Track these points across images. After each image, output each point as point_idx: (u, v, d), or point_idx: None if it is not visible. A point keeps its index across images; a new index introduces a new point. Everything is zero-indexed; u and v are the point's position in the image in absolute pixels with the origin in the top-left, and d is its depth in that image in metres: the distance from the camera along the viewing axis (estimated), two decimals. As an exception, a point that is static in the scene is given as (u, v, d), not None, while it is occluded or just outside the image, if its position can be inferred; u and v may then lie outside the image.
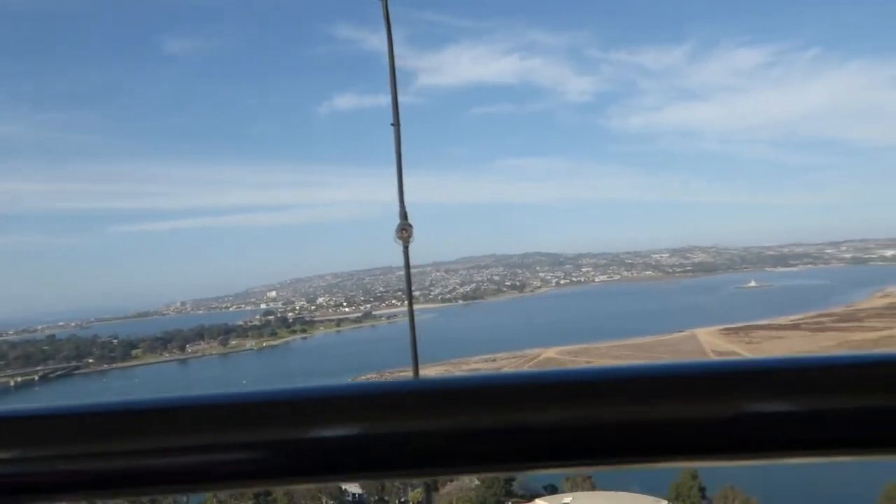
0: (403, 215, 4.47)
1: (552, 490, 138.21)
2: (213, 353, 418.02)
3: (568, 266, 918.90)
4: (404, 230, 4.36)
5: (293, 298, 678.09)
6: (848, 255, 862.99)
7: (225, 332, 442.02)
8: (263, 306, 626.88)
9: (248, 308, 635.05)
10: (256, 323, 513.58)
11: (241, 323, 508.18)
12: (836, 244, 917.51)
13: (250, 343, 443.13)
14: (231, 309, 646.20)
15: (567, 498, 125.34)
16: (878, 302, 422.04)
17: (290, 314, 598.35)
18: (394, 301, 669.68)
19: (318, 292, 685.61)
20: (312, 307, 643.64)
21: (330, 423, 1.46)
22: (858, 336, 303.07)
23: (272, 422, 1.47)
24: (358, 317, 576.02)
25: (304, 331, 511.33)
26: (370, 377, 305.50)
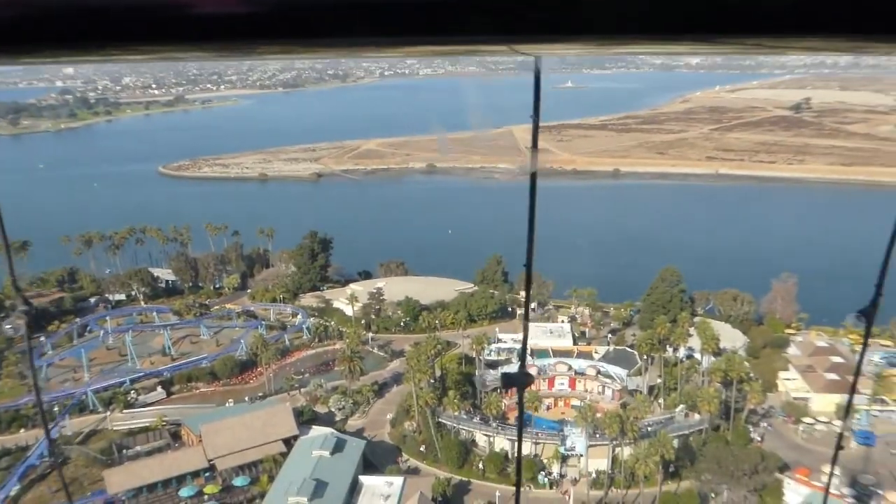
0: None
1: (366, 275, 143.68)
2: (2, 133, 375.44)
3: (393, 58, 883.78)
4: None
5: (95, 77, 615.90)
6: (658, 62, 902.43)
7: (14, 111, 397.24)
8: (59, 84, 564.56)
9: (42, 85, 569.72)
10: (52, 102, 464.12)
11: (33, 101, 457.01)
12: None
13: (46, 124, 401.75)
14: (21, 85, 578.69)
15: (381, 282, 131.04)
16: (679, 107, 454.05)
17: (92, 94, 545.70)
18: (208, 85, 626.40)
19: (123, 72, 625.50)
20: (117, 88, 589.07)
21: None
22: (657, 138, 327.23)
23: None
24: (169, 100, 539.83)
25: (108, 113, 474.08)
26: (182, 163, 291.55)
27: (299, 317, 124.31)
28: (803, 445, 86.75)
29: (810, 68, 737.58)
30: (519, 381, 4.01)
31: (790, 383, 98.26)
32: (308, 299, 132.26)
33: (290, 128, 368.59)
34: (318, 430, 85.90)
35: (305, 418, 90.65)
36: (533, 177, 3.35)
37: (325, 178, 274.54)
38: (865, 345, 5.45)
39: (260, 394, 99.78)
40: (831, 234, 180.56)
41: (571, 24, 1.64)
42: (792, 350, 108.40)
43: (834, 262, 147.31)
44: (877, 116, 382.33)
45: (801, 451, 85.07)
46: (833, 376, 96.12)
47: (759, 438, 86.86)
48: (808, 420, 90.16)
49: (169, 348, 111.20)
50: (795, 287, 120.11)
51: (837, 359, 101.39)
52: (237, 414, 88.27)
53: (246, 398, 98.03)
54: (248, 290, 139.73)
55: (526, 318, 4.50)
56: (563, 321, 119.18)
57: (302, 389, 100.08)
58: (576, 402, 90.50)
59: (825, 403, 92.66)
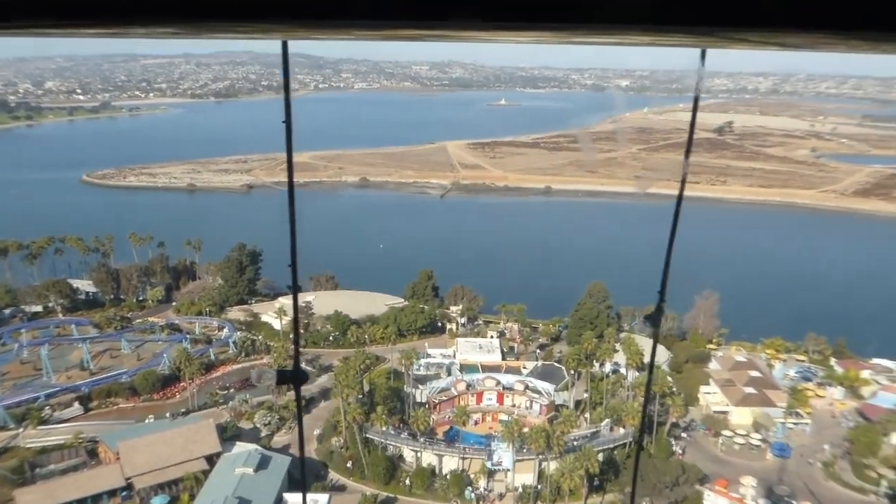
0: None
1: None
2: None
3: (328, 70, 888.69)
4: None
5: (15, 80, 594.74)
6: (589, 82, 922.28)
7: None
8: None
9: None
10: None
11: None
12: (580, 71, 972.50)
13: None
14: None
15: (310, 296, 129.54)
16: (609, 126, 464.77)
17: (13, 98, 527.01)
18: (137, 92, 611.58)
19: (46, 75, 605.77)
20: (39, 92, 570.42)
21: None
22: (588, 156, 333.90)
23: None
24: (95, 106, 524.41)
25: (29, 118, 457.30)
26: (107, 172, 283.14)
27: (226, 330, 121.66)
28: (722, 458, 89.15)
29: (733, 93, 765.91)
30: (294, 379, 4.04)
31: (710, 397, 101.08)
32: (235, 313, 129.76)
33: (222, 138, 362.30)
34: (242, 447, 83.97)
35: (229, 434, 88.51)
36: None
37: (257, 190, 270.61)
38: (654, 348, 5.73)
39: (182, 409, 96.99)
40: (750, 253, 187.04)
41: (569, 13, 1.62)
42: (713, 365, 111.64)
43: (752, 279, 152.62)
44: (793, 141, 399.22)
45: (720, 463, 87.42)
46: (751, 390, 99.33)
47: (680, 451, 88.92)
48: (727, 433, 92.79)
49: (87, 362, 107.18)
50: (717, 303, 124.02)
51: (755, 373, 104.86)
52: (157, 430, 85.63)
53: (167, 414, 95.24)
54: (173, 303, 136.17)
55: (295, 308, 4.51)
56: (492, 336, 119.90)
57: (226, 405, 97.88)
58: (504, 417, 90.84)
59: (743, 416, 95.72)
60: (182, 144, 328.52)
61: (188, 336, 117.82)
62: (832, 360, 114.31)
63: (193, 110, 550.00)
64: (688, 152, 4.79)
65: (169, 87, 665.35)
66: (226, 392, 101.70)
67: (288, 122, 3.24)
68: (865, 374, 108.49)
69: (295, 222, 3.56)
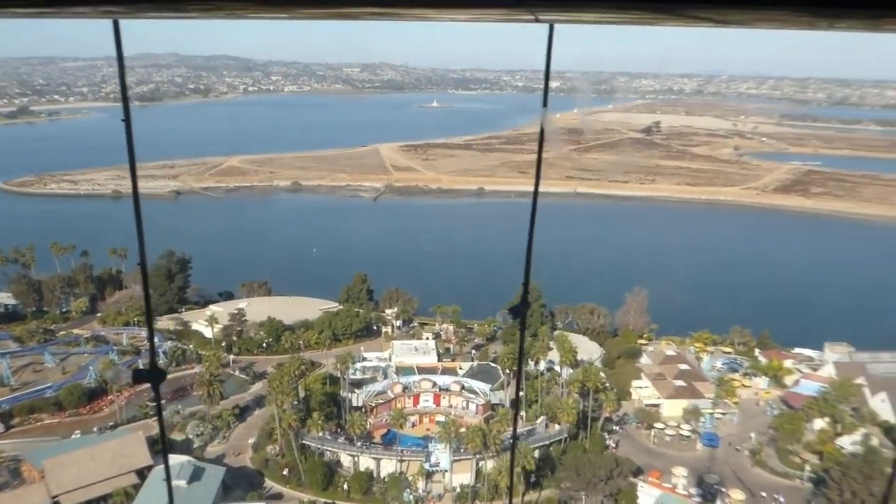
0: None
1: (228, 296, 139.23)
2: None
3: (257, 73, 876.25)
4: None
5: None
6: (520, 84, 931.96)
7: None
8: None
9: None
10: None
11: None
12: (511, 72, 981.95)
13: None
14: None
15: (242, 303, 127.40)
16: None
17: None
18: (56, 96, 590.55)
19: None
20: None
21: None
22: (520, 158, 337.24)
23: None
24: (12, 111, 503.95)
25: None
26: (26, 179, 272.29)
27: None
28: (655, 449, 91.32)
29: (659, 94, 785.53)
30: (152, 378, 4.04)
31: (642, 391, 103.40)
32: (165, 322, 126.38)
33: (147, 143, 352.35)
34: (174, 459, 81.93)
35: (161, 447, 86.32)
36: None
37: (185, 196, 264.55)
38: (522, 340, 5.92)
39: (111, 423, 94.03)
40: (678, 250, 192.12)
41: None
42: (644, 359, 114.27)
43: (681, 275, 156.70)
44: (718, 140, 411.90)
45: (652, 454, 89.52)
46: (681, 383, 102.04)
47: (614, 445, 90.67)
48: (658, 425, 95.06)
49: (7, 378, 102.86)
50: (647, 300, 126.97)
51: (684, 366, 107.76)
52: (85, 446, 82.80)
53: (95, 428, 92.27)
54: (99, 314, 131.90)
55: (147, 302, 4.50)
56: (427, 338, 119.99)
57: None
58: (440, 418, 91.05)
59: (674, 408, 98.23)
60: (105, 150, 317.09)
61: (115, 347, 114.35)
62: (757, 351, 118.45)
63: (116, 115, 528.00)
64: (539, 154, 4.96)
65: (90, 91, 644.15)
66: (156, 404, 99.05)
67: (127, 119, 3.16)
68: (788, 363, 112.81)
69: (140, 213, 3.52)
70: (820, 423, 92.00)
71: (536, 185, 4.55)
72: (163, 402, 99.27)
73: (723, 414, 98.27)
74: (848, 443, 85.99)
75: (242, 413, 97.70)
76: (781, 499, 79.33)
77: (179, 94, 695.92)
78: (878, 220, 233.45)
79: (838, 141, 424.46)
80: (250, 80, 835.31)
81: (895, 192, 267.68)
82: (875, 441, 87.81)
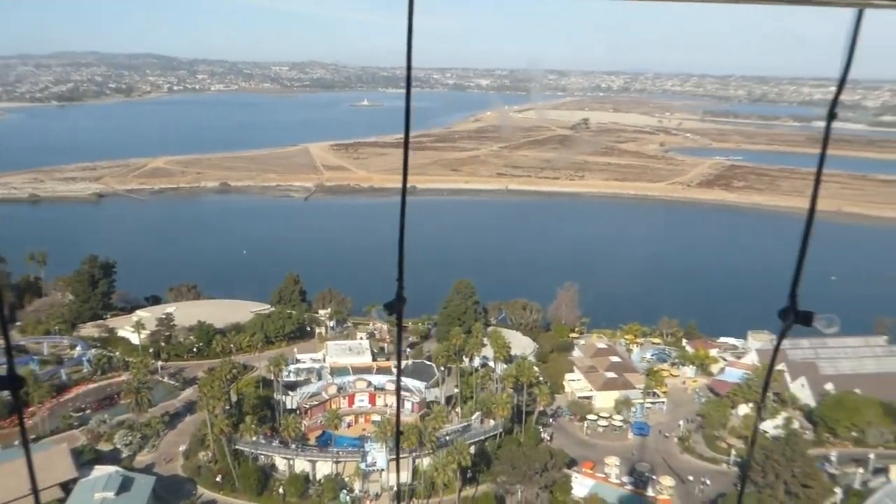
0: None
1: (155, 301, 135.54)
2: None
3: (182, 72, 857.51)
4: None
5: None
6: (451, 82, 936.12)
7: None
8: None
9: None
10: None
11: None
12: (442, 70, 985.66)
13: None
14: None
15: (171, 307, 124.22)
16: (471, 125, 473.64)
17: None
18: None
19: None
20: None
21: None
22: (451, 155, 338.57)
23: None
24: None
25: None
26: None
27: (78, 349, 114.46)
28: (588, 441, 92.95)
29: (587, 91, 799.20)
30: (10, 385, 3.96)
31: (575, 384, 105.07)
32: (89, 329, 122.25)
33: (67, 144, 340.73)
34: (101, 470, 79.28)
35: (87, 458, 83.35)
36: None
37: (108, 198, 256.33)
38: (400, 334, 6.00)
39: (32, 436, 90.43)
40: (608, 244, 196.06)
41: None
42: (576, 353, 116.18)
43: (611, 270, 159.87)
44: (644, 136, 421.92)
45: (586, 446, 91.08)
46: (612, 374, 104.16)
47: (548, 438, 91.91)
48: (591, 417, 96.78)
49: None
50: (578, 294, 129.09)
51: (615, 358, 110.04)
52: (5, 460, 79.42)
53: (15, 442, 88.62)
54: (18, 323, 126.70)
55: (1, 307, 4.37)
56: (361, 338, 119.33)
57: (82, 427, 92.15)
58: (376, 418, 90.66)
59: (606, 400, 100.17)
60: (22, 152, 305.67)
61: (35, 357, 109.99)
62: (684, 341, 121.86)
63: (33, 115, 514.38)
64: (406, 151, 5.03)
65: (5, 91, 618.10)
66: (81, 414, 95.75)
67: None
68: (713, 352, 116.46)
69: None
70: (744, 409, 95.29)
71: (405, 181, 4.58)
72: (88, 411, 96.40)
73: (652, 403, 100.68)
74: (770, 427, 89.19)
75: (172, 420, 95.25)
76: (708, 482, 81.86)
77: (100, 93, 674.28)
78: (795, 212, 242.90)
79: (758, 136, 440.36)
80: (175, 79, 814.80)
81: (811, 185, 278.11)
82: (796, 424, 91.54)
